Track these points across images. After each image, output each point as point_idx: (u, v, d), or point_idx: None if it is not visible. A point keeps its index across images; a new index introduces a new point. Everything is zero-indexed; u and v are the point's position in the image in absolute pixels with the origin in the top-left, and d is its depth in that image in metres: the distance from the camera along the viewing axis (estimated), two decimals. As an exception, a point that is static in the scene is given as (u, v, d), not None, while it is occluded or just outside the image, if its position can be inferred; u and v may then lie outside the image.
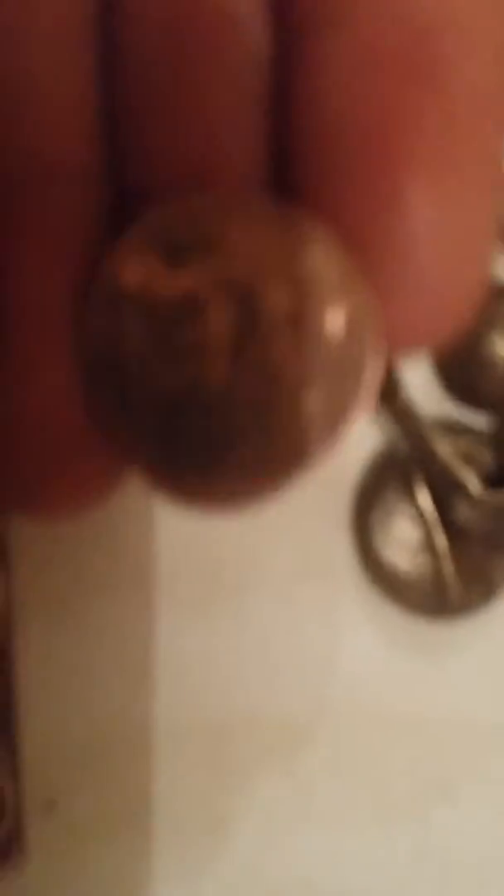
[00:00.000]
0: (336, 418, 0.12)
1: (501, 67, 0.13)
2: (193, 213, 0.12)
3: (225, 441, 0.12)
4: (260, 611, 0.22)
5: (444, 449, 0.22)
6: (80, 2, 0.14)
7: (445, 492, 0.22)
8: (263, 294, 0.12)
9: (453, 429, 0.23)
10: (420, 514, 0.23)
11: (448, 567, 0.23)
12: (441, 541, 0.23)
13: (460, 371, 0.23)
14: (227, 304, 0.11)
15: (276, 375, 0.12)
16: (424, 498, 0.23)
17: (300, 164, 0.13)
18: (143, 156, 0.14)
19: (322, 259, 0.12)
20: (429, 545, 0.23)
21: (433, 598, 0.23)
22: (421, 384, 0.23)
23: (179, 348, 0.12)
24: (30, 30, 0.14)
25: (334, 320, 0.12)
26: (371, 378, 0.12)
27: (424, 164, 0.13)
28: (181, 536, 0.21)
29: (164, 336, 0.12)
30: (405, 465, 0.23)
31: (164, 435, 0.12)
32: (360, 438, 0.23)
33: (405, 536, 0.23)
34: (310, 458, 0.12)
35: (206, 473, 0.12)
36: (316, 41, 0.13)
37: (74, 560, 0.20)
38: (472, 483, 0.22)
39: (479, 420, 0.23)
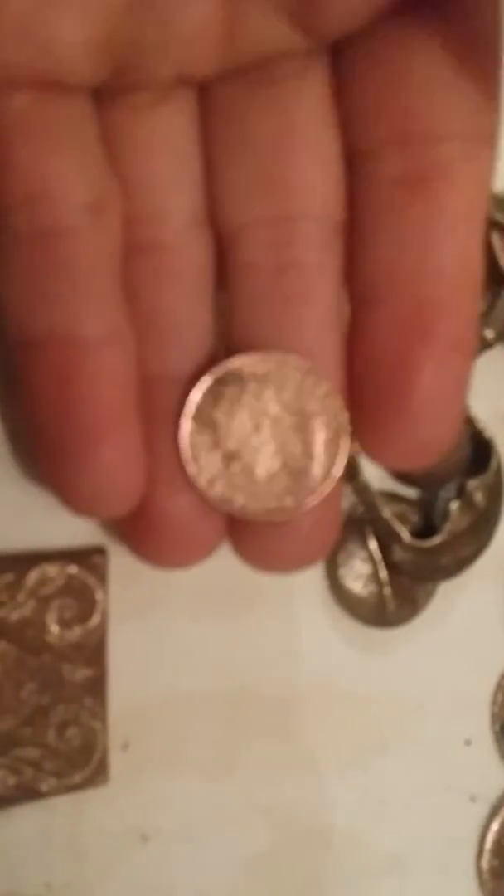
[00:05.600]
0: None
1: (474, 317, 0.19)
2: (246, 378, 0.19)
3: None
4: (262, 618, 0.25)
5: (387, 511, 0.25)
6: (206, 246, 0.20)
7: (387, 540, 0.25)
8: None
9: (393, 497, 0.26)
10: (370, 556, 0.25)
11: (388, 592, 0.25)
12: (383, 574, 0.25)
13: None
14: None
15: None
16: (373, 544, 0.25)
17: (361, 372, 0.19)
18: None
19: (321, 406, 0.19)
20: (375, 577, 0.25)
21: (377, 613, 0.26)
22: (372, 468, 0.26)
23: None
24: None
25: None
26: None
27: (428, 378, 0.18)
28: (214, 569, 0.23)
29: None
30: (361, 522, 0.25)
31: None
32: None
33: (360, 570, 0.25)
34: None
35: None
36: (365, 310, 0.19)
37: (151, 580, 0.23)
38: (405, 534, 0.25)
39: (410, 491, 0.26)
